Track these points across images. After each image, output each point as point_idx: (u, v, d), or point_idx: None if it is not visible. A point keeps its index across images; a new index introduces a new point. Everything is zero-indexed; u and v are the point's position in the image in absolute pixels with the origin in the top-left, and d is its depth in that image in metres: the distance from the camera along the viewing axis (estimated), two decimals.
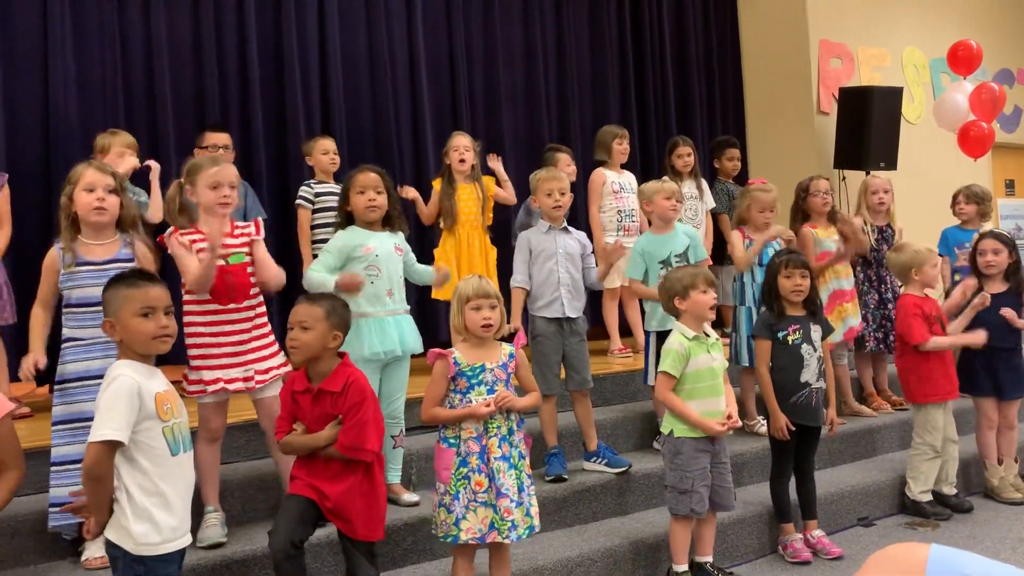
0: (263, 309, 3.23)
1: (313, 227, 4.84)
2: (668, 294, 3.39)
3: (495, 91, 6.23)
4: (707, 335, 3.37)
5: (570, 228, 3.98)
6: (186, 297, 3.12)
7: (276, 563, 2.63)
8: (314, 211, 4.82)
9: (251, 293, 3.17)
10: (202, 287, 3.03)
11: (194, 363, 3.11)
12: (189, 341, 3.11)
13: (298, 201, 4.84)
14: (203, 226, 3.08)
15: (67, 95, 4.74)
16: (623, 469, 3.86)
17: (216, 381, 3.07)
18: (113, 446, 2.20)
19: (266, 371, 3.16)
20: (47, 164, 4.67)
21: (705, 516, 3.33)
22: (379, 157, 5.40)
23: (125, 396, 2.21)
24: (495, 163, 5.15)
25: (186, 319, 3.09)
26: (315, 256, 4.77)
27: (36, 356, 3.00)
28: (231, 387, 3.09)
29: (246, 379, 3.11)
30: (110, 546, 2.25)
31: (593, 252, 4.11)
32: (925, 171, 7.13)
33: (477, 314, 2.94)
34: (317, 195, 4.82)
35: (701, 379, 3.30)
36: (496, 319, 2.97)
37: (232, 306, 3.11)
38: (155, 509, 2.25)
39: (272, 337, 3.24)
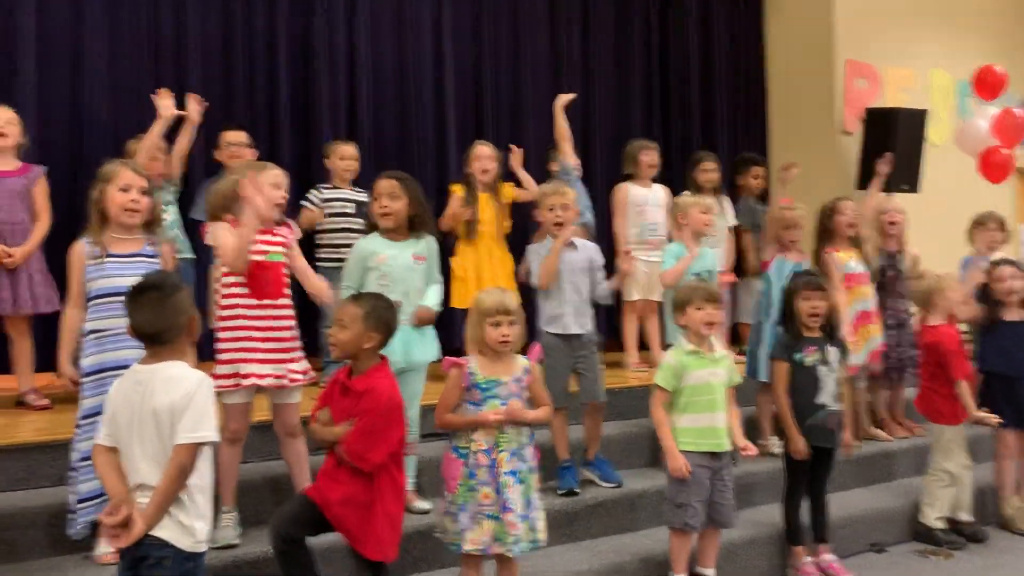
0: (293, 313, 3.28)
1: (317, 232, 4.84)
2: (672, 308, 3.47)
3: (520, 100, 6.25)
4: (713, 349, 3.38)
5: (577, 243, 3.95)
6: (225, 291, 3.17)
7: (274, 552, 2.75)
8: None
9: (285, 292, 3.23)
10: (237, 260, 3.08)
11: (227, 356, 3.13)
12: (225, 335, 3.14)
13: (302, 202, 4.85)
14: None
15: (98, 90, 4.80)
16: (613, 485, 3.87)
17: (249, 376, 3.10)
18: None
19: (302, 372, 3.23)
20: (77, 159, 4.73)
21: (700, 530, 3.34)
22: (402, 164, 5.42)
23: (213, 398, 2.33)
24: (516, 160, 5.08)
25: (223, 312, 3.15)
26: (316, 260, 4.80)
27: (64, 370, 3.05)
28: (263, 383, 3.12)
29: (278, 376, 3.14)
30: (156, 547, 2.24)
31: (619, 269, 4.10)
32: (949, 194, 7.06)
33: (496, 330, 2.96)
34: (325, 200, 4.84)
35: (698, 393, 3.31)
36: (515, 336, 2.98)
37: (268, 302, 3.16)
38: (206, 506, 2.33)
39: (299, 342, 3.27)
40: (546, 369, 3.82)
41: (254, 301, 3.15)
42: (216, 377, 3.10)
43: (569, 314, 3.83)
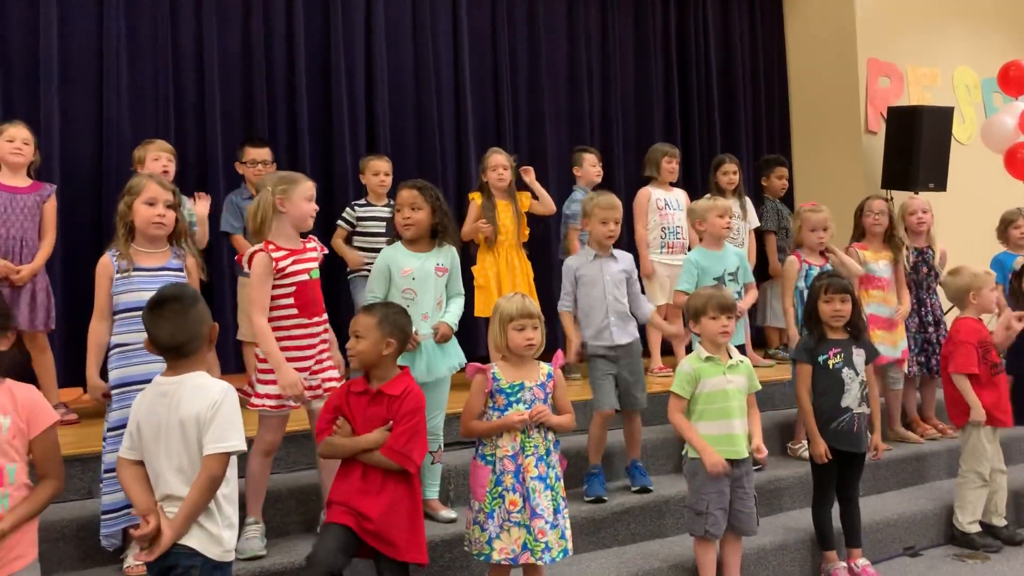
0: (327, 325, 3.29)
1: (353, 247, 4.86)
2: (686, 316, 3.44)
3: (539, 109, 6.24)
4: (731, 356, 3.35)
5: (615, 253, 3.92)
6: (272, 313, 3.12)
7: None
8: (354, 234, 4.86)
9: (323, 306, 3.25)
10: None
11: (272, 377, 3.07)
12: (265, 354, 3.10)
13: (338, 220, 4.88)
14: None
15: (119, 107, 4.85)
16: (638, 488, 3.84)
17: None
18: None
19: (337, 379, 3.20)
20: (99, 174, 4.78)
21: (722, 537, 3.31)
22: (422, 174, 5.41)
23: (238, 407, 2.34)
24: (529, 176, 5.09)
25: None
26: (348, 275, 4.89)
27: (94, 383, 3.05)
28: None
29: (313, 388, 3.13)
30: (185, 555, 2.25)
31: (639, 274, 4.08)
32: (976, 192, 6.97)
33: (520, 334, 2.95)
34: (359, 219, 4.86)
35: (712, 401, 3.28)
36: (538, 339, 2.97)
37: (315, 319, 3.17)
38: (234, 515, 2.34)
39: (329, 351, 3.27)
40: (592, 375, 3.83)
41: (302, 320, 3.13)
42: (257, 396, 3.09)
43: (614, 324, 3.81)
